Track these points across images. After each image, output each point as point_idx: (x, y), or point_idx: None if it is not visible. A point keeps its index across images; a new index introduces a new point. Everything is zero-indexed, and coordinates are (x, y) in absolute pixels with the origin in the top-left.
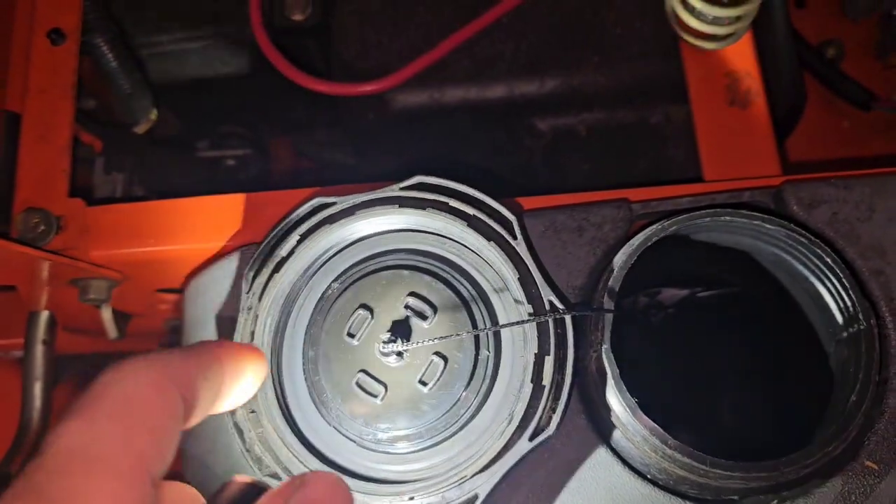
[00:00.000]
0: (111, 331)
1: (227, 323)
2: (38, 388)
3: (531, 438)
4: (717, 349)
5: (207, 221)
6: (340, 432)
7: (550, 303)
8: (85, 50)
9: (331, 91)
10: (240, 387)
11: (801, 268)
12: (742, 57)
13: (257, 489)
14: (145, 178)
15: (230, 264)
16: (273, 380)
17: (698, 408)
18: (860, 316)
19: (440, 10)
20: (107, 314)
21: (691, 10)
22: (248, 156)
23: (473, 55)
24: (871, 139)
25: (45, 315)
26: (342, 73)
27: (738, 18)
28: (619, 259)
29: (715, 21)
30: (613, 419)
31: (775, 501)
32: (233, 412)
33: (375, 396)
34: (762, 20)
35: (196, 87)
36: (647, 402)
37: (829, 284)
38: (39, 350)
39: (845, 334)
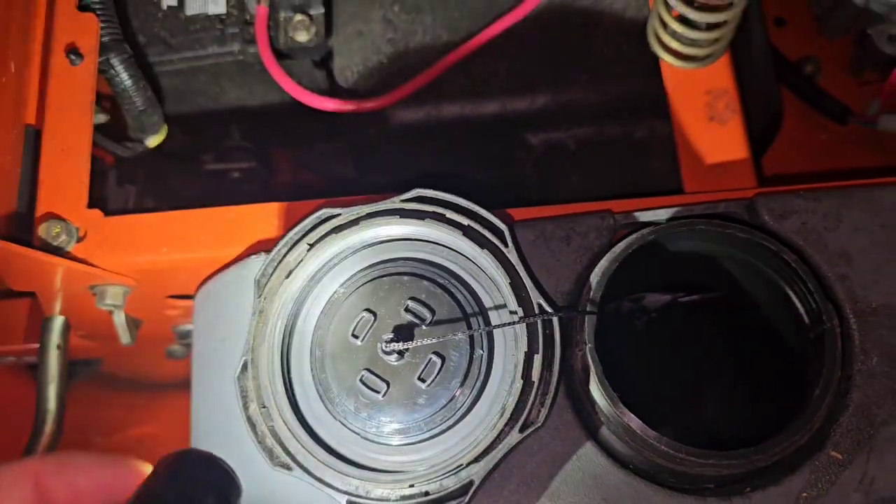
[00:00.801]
0: (124, 336)
1: (234, 326)
2: (52, 391)
3: (521, 430)
4: (698, 351)
5: (219, 231)
6: (346, 426)
7: (539, 305)
8: (100, 69)
9: (334, 108)
10: None
11: (771, 273)
12: (720, 76)
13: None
14: (155, 189)
15: (237, 271)
16: (283, 377)
17: (680, 406)
18: (824, 317)
19: (437, 31)
20: (119, 319)
21: (671, 33)
22: (252, 169)
23: (468, 74)
24: (848, 151)
25: (59, 320)
26: (344, 90)
27: (715, 41)
28: (602, 265)
29: (693, 43)
30: (598, 413)
31: (748, 489)
32: (246, 407)
33: (378, 392)
34: (741, 39)
35: (203, 104)
36: (629, 399)
37: (796, 288)
38: (54, 354)
39: (812, 335)
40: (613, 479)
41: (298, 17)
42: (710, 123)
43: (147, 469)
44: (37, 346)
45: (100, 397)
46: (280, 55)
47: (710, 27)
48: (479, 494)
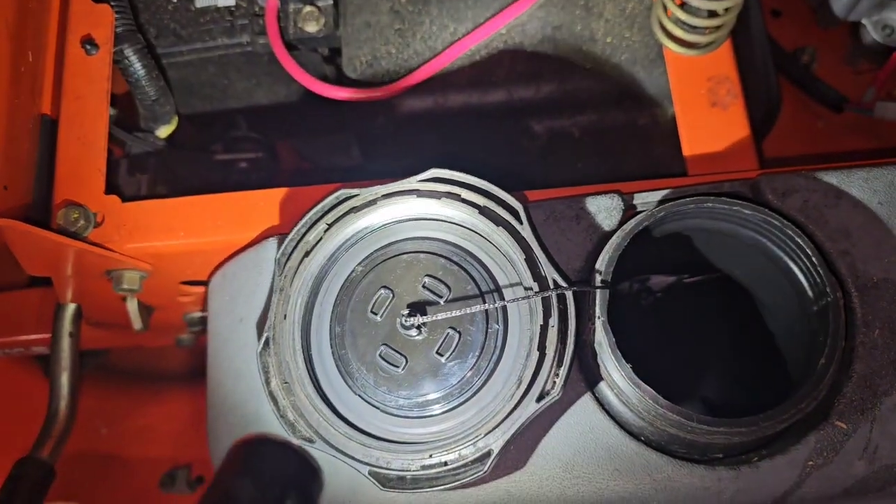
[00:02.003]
0: (136, 322)
1: (250, 307)
2: (65, 378)
3: (538, 400)
4: (702, 329)
5: (234, 216)
6: (365, 400)
7: (554, 280)
8: (114, 59)
9: (344, 97)
10: None
11: (776, 249)
12: (722, 63)
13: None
14: (166, 178)
15: (253, 254)
16: (304, 353)
17: (685, 381)
18: (828, 290)
19: (444, 21)
20: (133, 306)
21: (674, 20)
22: (260, 159)
23: (474, 63)
24: (843, 138)
25: (71, 308)
26: (352, 81)
27: (717, 28)
28: (614, 241)
29: (695, 30)
30: (610, 385)
31: (756, 458)
32: (268, 382)
33: (397, 367)
34: (740, 29)
35: (212, 95)
36: (640, 372)
37: (800, 263)
38: (67, 342)
39: (816, 308)
40: (625, 449)
41: (308, 8)
42: (712, 109)
43: None
44: (47, 336)
45: (106, 389)
46: (290, 46)
47: (712, 14)
48: (508, 470)
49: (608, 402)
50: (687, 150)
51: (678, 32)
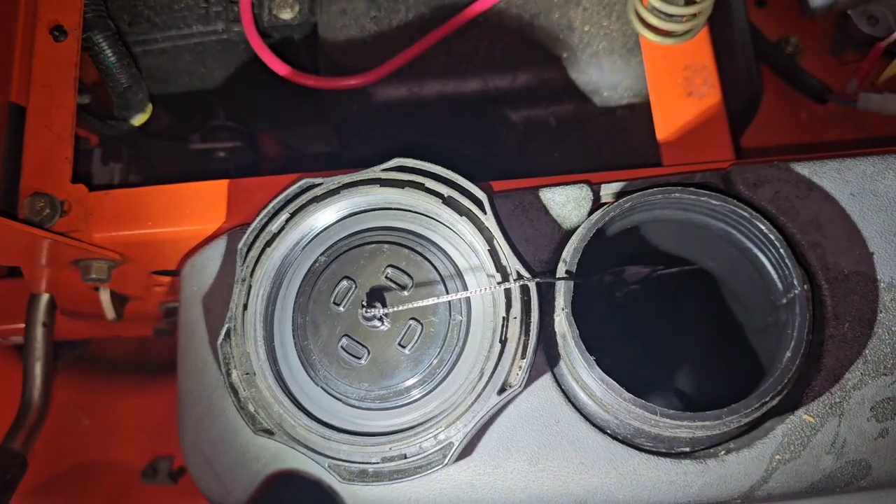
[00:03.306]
0: (109, 312)
1: (219, 298)
2: (38, 369)
3: (499, 392)
4: (675, 321)
5: (202, 205)
6: (327, 392)
7: (517, 271)
8: (84, 46)
9: (317, 85)
10: None
11: (745, 240)
12: (699, 51)
13: None
14: (141, 168)
15: (223, 244)
16: (265, 344)
17: (657, 374)
18: (795, 282)
19: (420, 9)
20: (105, 296)
21: (650, 8)
22: (238, 148)
23: (450, 52)
24: (827, 130)
25: (45, 298)
26: (328, 68)
27: (693, 16)
28: (580, 233)
29: (672, 19)
30: (575, 378)
31: (723, 452)
32: (228, 374)
33: (359, 358)
34: (721, 18)
35: (188, 83)
36: (609, 367)
37: (769, 255)
38: (40, 332)
39: (784, 300)
40: (591, 443)
41: None
42: (688, 98)
43: None
44: (22, 325)
45: (87, 380)
46: (264, 34)
47: (689, 2)
48: (459, 458)
49: (574, 395)
50: (662, 140)
51: (654, 21)
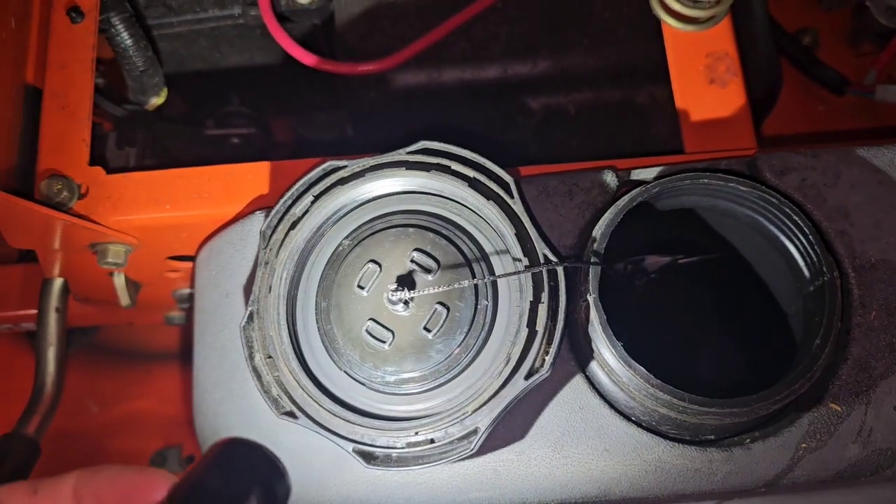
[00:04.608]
0: (124, 298)
1: (237, 282)
2: (51, 354)
3: (526, 378)
4: (696, 310)
5: (220, 189)
6: (351, 376)
7: (545, 256)
8: (101, 28)
9: (335, 70)
10: None
11: (772, 227)
12: (721, 39)
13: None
14: (155, 152)
15: (241, 228)
16: (288, 328)
17: (678, 362)
18: (824, 269)
19: None
20: (119, 281)
21: None
22: (252, 135)
23: (469, 38)
24: (845, 121)
25: (58, 282)
26: (345, 54)
27: (718, 2)
28: (607, 217)
29: (696, 5)
30: (601, 363)
31: (748, 440)
32: (251, 357)
33: (384, 342)
34: (741, 8)
35: (203, 68)
36: (632, 351)
37: (797, 242)
38: (53, 317)
39: (812, 288)
40: (615, 430)
41: None
42: (710, 86)
43: (169, 478)
44: (34, 311)
45: (97, 367)
46: (282, 18)
47: None
48: (485, 443)
49: (599, 381)
50: (685, 128)
51: (676, 7)
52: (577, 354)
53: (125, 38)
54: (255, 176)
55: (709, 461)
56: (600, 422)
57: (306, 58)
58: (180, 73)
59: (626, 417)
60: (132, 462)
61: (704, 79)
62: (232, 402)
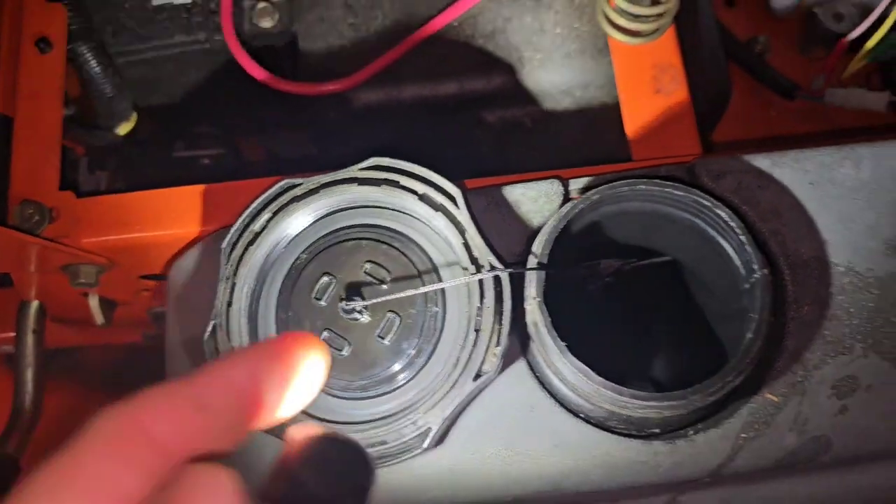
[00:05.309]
0: (98, 317)
1: (206, 298)
2: (29, 374)
3: (475, 379)
4: (648, 312)
5: (187, 209)
6: None
7: (489, 262)
8: (69, 57)
9: (297, 91)
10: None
11: (709, 229)
12: (666, 51)
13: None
14: (127, 176)
15: (208, 246)
16: (250, 340)
17: (636, 361)
18: (755, 266)
19: (396, 16)
20: (94, 301)
21: (618, 10)
22: (222, 155)
23: (426, 56)
24: (796, 125)
25: (34, 305)
26: (308, 75)
27: (659, 15)
28: (550, 224)
29: (638, 19)
30: (548, 364)
31: (692, 432)
32: None
33: (340, 350)
34: (689, 18)
35: (172, 92)
36: (580, 352)
37: (731, 242)
38: (30, 339)
39: (747, 285)
40: (565, 426)
41: (261, 4)
42: (656, 96)
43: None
44: (12, 334)
45: (81, 388)
46: (245, 42)
47: (654, 2)
48: (438, 445)
49: (548, 381)
50: (632, 137)
51: (621, 22)
52: (528, 356)
53: (93, 66)
54: (222, 195)
55: (654, 454)
56: (550, 419)
57: (270, 81)
58: (149, 98)
59: (575, 415)
60: None
61: (650, 89)
62: None
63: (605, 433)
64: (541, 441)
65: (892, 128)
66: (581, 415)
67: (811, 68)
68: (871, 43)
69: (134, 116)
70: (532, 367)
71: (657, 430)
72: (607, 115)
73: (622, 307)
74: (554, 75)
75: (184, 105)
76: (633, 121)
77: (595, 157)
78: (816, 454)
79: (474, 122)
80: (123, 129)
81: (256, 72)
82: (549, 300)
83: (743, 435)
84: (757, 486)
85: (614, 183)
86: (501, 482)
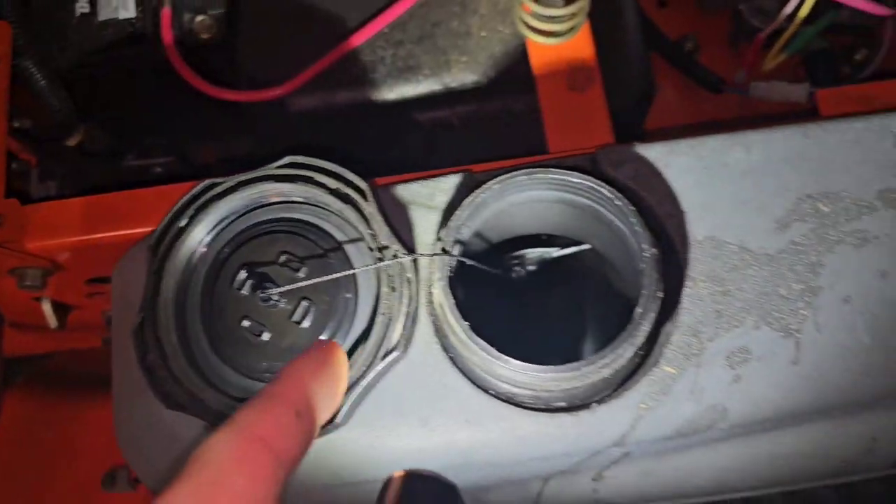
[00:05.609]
0: (51, 321)
1: (139, 296)
2: None
3: (383, 358)
4: (569, 298)
5: (130, 212)
6: (235, 369)
7: (396, 251)
8: (14, 72)
9: (236, 98)
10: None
11: (608, 214)
12: (580, 49)
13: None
14: (77, 186)
15: (144, 245)
16: (177, 330)
17: (555, 349)
18: (644, 245)
19: (330, 25)
20: (46, 305)
21: (533, 14)
22: (173, 163)
23: (358, 62)
24: (725, 118)
25: None
26: (247, 83)
27: (573, 15)
28: (456, 214)
29: (552, 20)
30: (455, 343)
31: (595, 404)
32: (143, 358)
33: (260, 336)
34: (613, 17)
35: (120, 104)
36: (502, 343)
37: (627, 224)
38: None
39: (643, 265)
40: (476, 403)
41: (200, 17)
42: (570, 92)
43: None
44: None
45: (45, 395)
46: (186, 53)
47: (567, 2)
48: (355, 424)
49: (460, 360)
50: (549, 131)
51: (536, 24)
52: (441, 338)
53: (39, 80)
54: (165, 198)
55: (559, 426)
56: (462, 396)
57: (210, 90)
58: (99, 110)
59: (485, 391)
60: (85, 484)
61: (565, 86)
62: (141, 404)
63: (513, 408)
64: (453, 417)
65: (812, 113)
66: (491, 391)
67: (741, 63)
68: (782, 39)
69: (82, 128)
70: (445, 349)
71: (563, 404)
72: (532, 112)
73: (543, 296)
74: (479, 76)
75: (133, 116)
76: (551, 117)
77: (519, 153)
78: (714, 421)
79: (405, 124)
80: (73, 140)
81: (198, 82)
82: (474, 290)
83: (643, 405)
84: (672, 456)
85: (514, 172)
86: (418, 456)
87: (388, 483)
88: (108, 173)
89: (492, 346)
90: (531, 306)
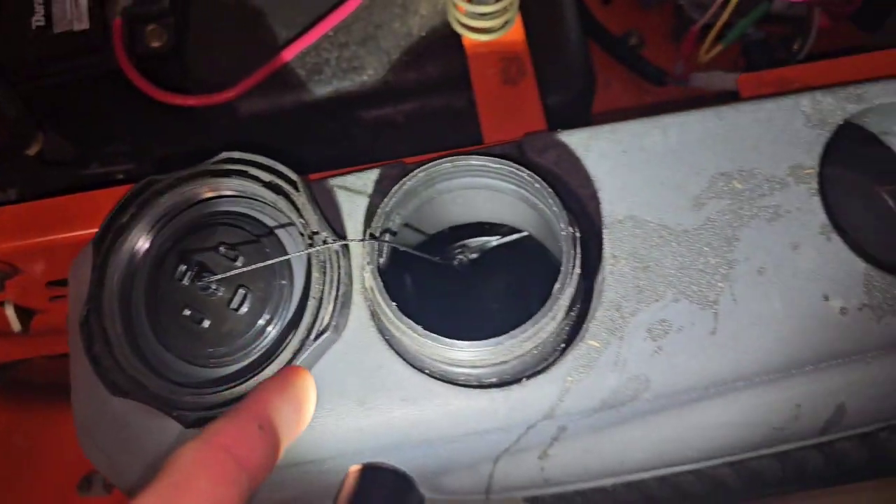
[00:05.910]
0: (15, 325)
1: None
2: None
3: (315, 339)
4: (511, 284)
5: (83, 212)
6: (178, 356)
7: (326, 237)
8: None
9: (188, 104)
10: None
11: (532, 197)
12: (513, 45)
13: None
14: (38, 194)
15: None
16: (122, 321)
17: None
18: (562, 225)
19: (278, 28)
20: (9, 310)
21: (466, 13)
22: (134, 169)
23: (304, 64)
24: (668, 110)
25: None
26: (198, 88)
27: (504, 10)
28: (384, 202)
29: (483, 17)
30: (388, 324)
31: (525, 379)
32: (90, 348)
33: (200, 324)
34: (552, 13)
35: (79, 113)
36: (431, 322)
37: (546, 204)
38: None
39: (561, 243)
40: (411, 382)
41: (151, 26)
42: (504, 86)
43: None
44: None
45: (20, 402)
46: (139, 62)
47: None
48: None
49: (395, 341)
50: (484, 124)
51: (469, 22)
52: (377, 322)
53: None
54: (114, 198)
55: (491, 400)
56: (397, 376)
57: (160, 95)
58: (58, 119)
59: (420, 370)
60: (61, 488)
61: (500, 80)
62: (102, 400)
63: (447, 385)
64: (389, 396)
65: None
66: (426, 371)
67: (680, 56)
68: (714, 31)
69: (40, 137)
70: (381, 331)
71: (494, 380)
72: (470, 107)
73: (492, 282)
74: (421, 74)
75: (93, 124)
76: (486, 110)
77: (460, 146)
78: (638, 392)
79: (351, 122)
80: (31, 150)
81: (149, 89)
82: (423, 279)
83: (569, 378)
84: (608, 431)
85: (438, 160)
86: (357, 436)
87: (345, 478)
88: (69, 180)
89: (425, 328)
90: (478, 292)
